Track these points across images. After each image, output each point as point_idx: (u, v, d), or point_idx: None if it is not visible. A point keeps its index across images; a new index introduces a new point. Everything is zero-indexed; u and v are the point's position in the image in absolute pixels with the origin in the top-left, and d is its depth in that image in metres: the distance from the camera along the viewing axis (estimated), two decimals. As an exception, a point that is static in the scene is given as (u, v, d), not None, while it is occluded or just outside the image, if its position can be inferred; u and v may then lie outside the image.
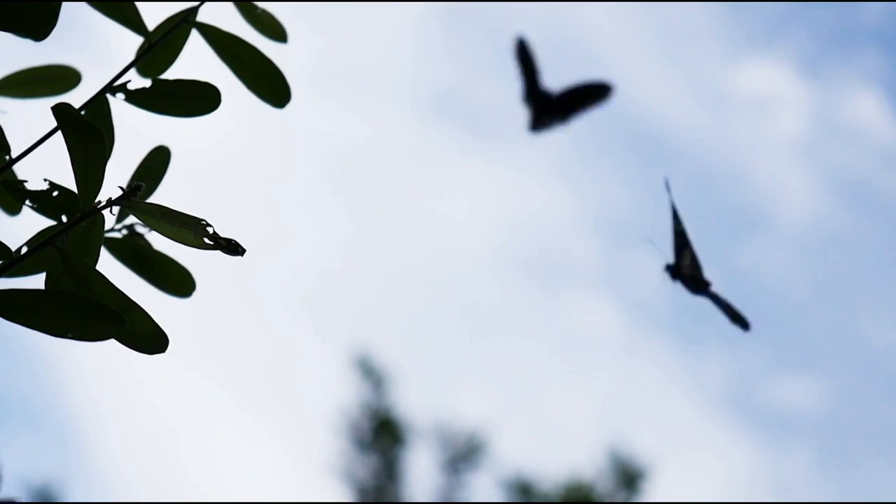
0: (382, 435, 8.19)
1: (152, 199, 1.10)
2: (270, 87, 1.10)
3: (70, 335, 0.92)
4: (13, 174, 1.08)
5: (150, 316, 0.98)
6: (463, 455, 8.23)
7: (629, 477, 8.11)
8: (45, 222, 1.06)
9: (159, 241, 1.15)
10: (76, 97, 1.12)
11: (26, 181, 1.03)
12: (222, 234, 0.96)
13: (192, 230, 0.95)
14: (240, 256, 0.97)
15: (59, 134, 1.09)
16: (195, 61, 1.21)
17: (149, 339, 0.97)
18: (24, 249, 1.00)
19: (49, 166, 1.07)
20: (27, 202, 1.02)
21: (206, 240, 0.96)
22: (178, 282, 1.14)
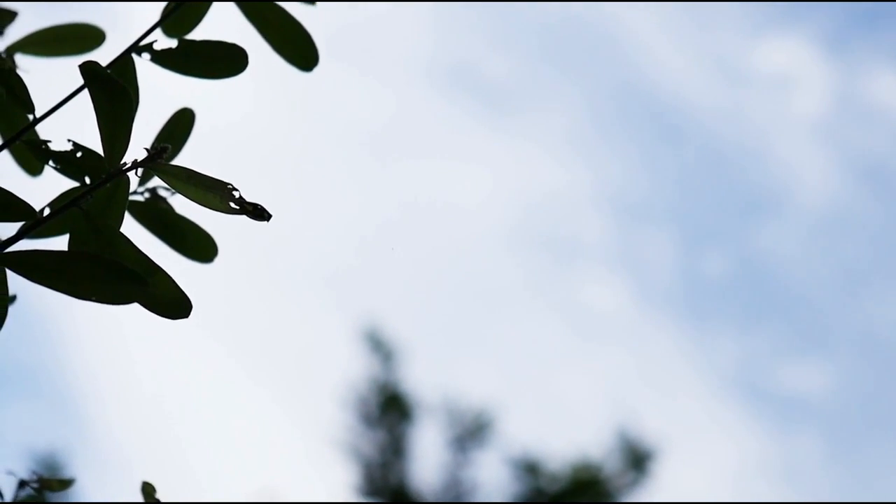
0: (390, 410, 8.18)
1: (174, 162, 1.08)
2: (299, 50, 1.08)
3: (94, 298, 0.90)
4: (35, 134, 1.06)
5: (173, 280, 0.96)
6: (470, 432, 8.22)
7: (637, 458, 8.10)
8: (63, 184, 1.04)
9: (181, 206, 1.13)
10: (99, 57, 1.10)
11: (49, 141, 1.01)
12: (248, 199, 0.95)
13: (218, 194, 0.93)
14: (265, 221, 0.95)
15: (78, 94, 1.07)
16: (216, 23, 1.18)
17: (172, 303, 0.96)
18: (47, 211, 0.99)
19: (69, 127, 1.05)
20: (50, 162, 1.00)
21: (233, 204, 0.94)
22: (200, 247, 1.12)
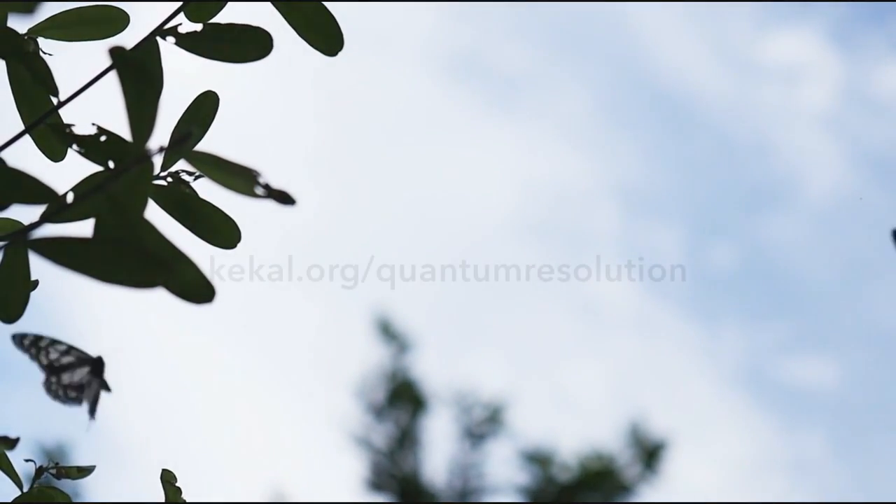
0: (401, 402, 8.18)
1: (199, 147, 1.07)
2: (323, 34, 1.07)
3: (119, 282, 0.90)
4: (59, 118, 1.06)
5: (197, 265, 0.96)
6: (481, 424, 8.22)
7: (647, 451, 8.10)
8: (83, 170, 1.04)
9: (203, 191, 1.13)
10: (123, 41, 1.09)
11: (73, 125, 1.01)
12: (273, 185, 0.94)
13: (244, 179, 0.93)
14: (291, 206, 0.95)
15: (100, 79, 1.06)
16: (237, 6, 1.18)
17: (196, 288, 0.95)
18: (71, 195, 0.98)
19: (88, 111, 1.05)
20: (74, 146, 1.00)
21: (259, 189, 0.94)
22: (223, 232, 1.11)
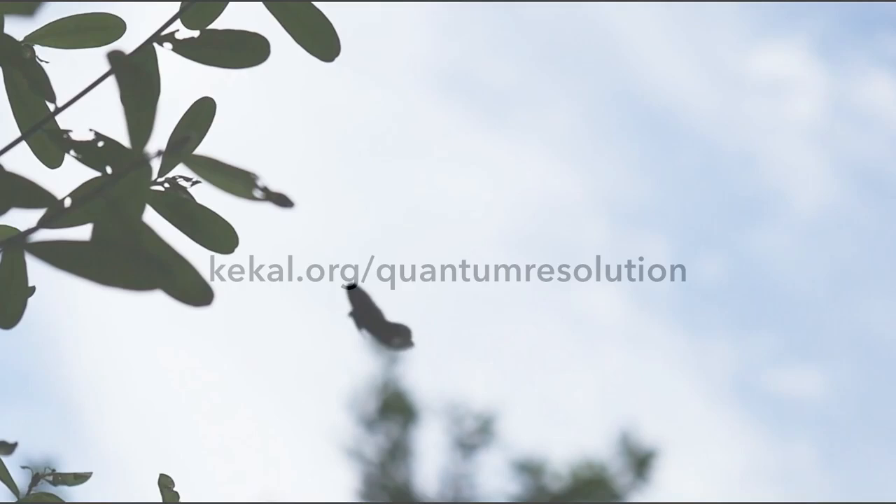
0: (393, 413, 8.18)
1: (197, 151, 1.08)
2: (320, 39, 1.08)
3: (119, 285, 0.90)
4: (56, 124, 1.06)
5: (195, 268, 0.96)
6: (472, 435, 8.22)
7: (638, 459, 8.11)
8: (79, 176, 1.04)
9: (200, 196, 1.13)
10: (120, 48, 1.10)
11: (71, 131, 1.01)
12: (272, 188, 0.95)
13: (243, 182, 0.94)
14: (289, 208, 0.96)
15: (97, 85, 1.07)
16: (232, 12, 1.18)
17: (194, 291, 0.96)
18: (69, 200, 0.99)
19: (83, 118, 1.05)
20: (71, 152, 1.00)
21: (257, 192, 0.94)
22: (220, 237, 1.12)
